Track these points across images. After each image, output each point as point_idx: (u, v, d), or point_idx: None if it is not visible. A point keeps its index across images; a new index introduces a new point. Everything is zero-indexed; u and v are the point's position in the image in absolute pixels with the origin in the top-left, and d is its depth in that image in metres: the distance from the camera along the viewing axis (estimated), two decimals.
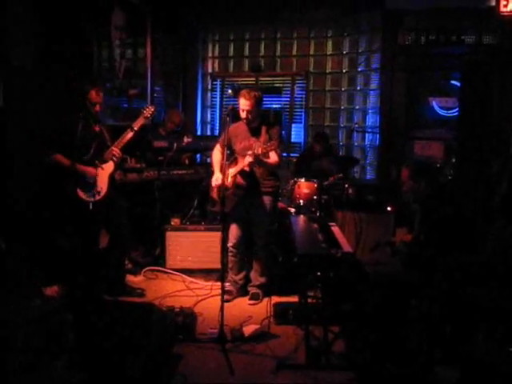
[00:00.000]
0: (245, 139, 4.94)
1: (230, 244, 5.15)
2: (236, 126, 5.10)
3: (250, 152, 4.74)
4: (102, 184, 4.76)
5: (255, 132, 4.98)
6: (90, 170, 4.70)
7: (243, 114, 4.87)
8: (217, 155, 5.20)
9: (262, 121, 5.06)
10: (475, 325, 3.54)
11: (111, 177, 4.85)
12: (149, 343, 3.62)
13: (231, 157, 5.01)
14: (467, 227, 3.95)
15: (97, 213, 4.75)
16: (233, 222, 5.11)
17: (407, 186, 4.20)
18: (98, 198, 4.73)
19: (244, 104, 4.83)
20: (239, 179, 4.89)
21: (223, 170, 4.73)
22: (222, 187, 4.47)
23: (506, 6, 6.53)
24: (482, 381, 3.36)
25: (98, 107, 4.77)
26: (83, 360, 3.49)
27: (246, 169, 4.82)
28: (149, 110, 4.96)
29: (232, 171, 4.92)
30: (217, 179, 5.02)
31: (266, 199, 5.04)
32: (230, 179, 4.96)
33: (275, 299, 4.92)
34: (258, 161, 4.72)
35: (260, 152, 4.60)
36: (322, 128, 8.11)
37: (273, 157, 4.80)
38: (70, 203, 4.72)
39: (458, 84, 7.23)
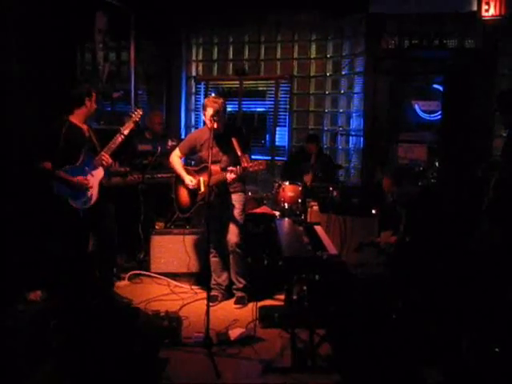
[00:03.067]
0: (211, 147, 4.78)
1: (210, 245, 5.16)
2: (200, 133, 5.18)
3: (231, 168, 4.83)
4: (93, 191, 4.67)
5: (222, 138, 4.97)
6: (78, 181, 4.59)
7: (214, 124, 4.76)
8: (177, 161, 5.24)
9: (227, 127, 5.10)
10: (460, 327, 3.57)
11: (101, 183, 4.75)
12: (134, 347, 3.61)
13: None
14: (453, 229, 3.99)
15: (87, 219, 4.67)
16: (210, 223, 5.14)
17: (391, 193, 4.22)
18: (88, 205, 4.64)
19: (214, 113, 4.77)
20: (215, 188, 4.92)
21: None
22: (210, 189, 4.46)
23: (487, 10, 6.62)
24: (467, 382, 3.39)
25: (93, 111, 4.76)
26: (68, 365, 3.46)
27: (228, 182, 4.87)
28: (137, 114, 4.90)
29: (206, 180, 4.84)
30: (191, 180, 5.08)
31: (237, 197, 5.13)
32: (203, 188, 5.02)
33: (261, 302, 4.92)
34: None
35: (251, 170, 4.73)
36: (307, 131, 8.13)
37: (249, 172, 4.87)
38: (60, 209, 4.63)
39: (441, 88, 7.30)
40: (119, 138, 4.76)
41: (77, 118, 4.71)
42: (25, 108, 5.22)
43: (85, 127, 4.76)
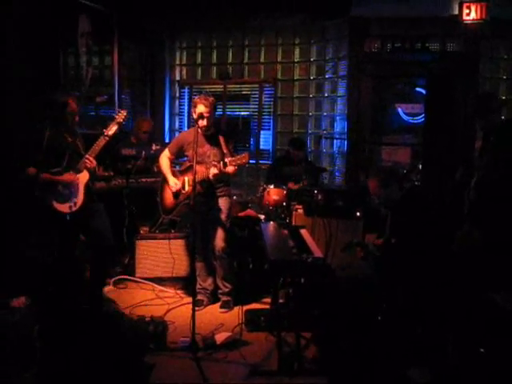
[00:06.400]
0: (199, 146, 4.80)
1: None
2: (188, 133, 5.16)
3: (214, 163, 4.82)
4: (78, 194, 4.66)
5: (210, 139, 5.01)
6: (66, 178, 4.59)
7: (203, 122, 4.84)
8: (165, 161, 5.21)
9: (216, 127, 5.15)
10: (445, 328, 3.59)
11: (87, 186, 4.73)
12: (119, 353, 3.59)
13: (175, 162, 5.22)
14: (437, 231, 4.01)
15: (74, 223, 4.64)
16: (195, 227, 5.12)
17: (377, 195, 4.24)
18: (74, 209, 4.60)
19: (204, 111, 4.83)
20: (198, 187, 4.82)
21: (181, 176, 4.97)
22: (194, 193, 4.44)
23: (468, 14, 6.70)
24: (452, 383, 3.42)
25: (76, 117, 4.69)
26: (52, 371, 3.43)
27: (210, 178, 4.84)
28: (121, 115, 4.86)
29: (190, 179, 4.93)
30: (176, 183, 5.07)
31: (223, 201, 5.12)
32: (187, 187, 5.01)
33: (246, 306, 4.93)
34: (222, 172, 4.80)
35: (232, 166, 4.72)
36: (291, 135, 8.12)
37: (232, 168, 4.81)
38: (46, 214, 4.59)
39: (423, 91, 7.35)
40: (103, 140, 4.72)
41: (59, 124, 4.67)
42: (8, 116, 5.16)
43: (67, 133, 4.72)
